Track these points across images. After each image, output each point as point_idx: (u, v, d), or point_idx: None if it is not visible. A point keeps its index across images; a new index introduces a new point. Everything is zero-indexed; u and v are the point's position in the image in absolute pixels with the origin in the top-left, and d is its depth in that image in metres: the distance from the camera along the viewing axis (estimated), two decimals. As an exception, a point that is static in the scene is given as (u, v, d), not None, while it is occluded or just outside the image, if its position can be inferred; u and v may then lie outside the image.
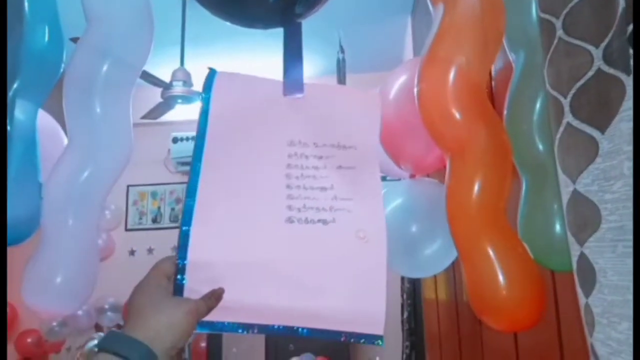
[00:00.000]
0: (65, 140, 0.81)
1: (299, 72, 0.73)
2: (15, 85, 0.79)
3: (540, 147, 0.70)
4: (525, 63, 0.74)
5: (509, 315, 0.69)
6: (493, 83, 1.15)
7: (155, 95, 3.23)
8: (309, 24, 0.83)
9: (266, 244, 0.66)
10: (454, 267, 1.36)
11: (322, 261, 0.67)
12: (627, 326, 0.46)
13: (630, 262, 0.47)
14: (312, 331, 0.65)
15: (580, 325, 0.56)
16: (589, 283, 0.53)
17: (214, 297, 0.61)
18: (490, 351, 1.24)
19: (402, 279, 3.41)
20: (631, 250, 0.47)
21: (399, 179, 1.41)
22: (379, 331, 0.65)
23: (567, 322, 0.83)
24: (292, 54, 0.73)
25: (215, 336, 3.64)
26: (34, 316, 4.04)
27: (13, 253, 0.76)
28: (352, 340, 0.66)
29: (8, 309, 4.03)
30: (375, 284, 0.66)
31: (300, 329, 0.65)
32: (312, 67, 4.02)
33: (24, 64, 0.80)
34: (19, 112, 0.80)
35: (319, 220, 0.67)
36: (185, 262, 0.62)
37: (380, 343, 0.64)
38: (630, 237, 0.47)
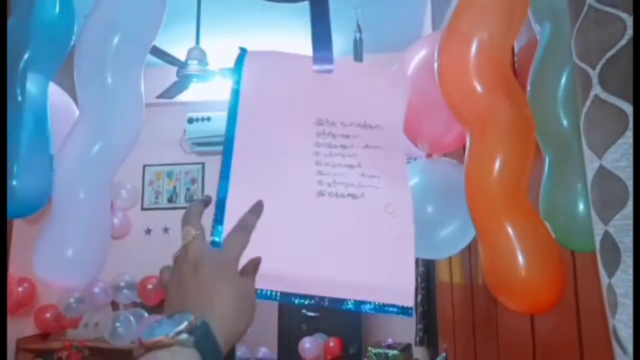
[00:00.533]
0: (77, 113, 0.80)
1: (328, 45, 0.74)
2: (25, 57, 0.78)
3: (565, 122, 0.67)
4: (551, 35, 0.70)
5: (527, 296, 0.67)
6: (516, 59, 1.11)
7: (170, 74, 3.22)
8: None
9: (299, 216, 0.67)
10: (469, 250, 1.34)
11: (353, 232, 0.67)
12: (654, 308, 0.44)
13: (659, 241, 0.44)
14: (354, 304, 0.65)
15: (601, 308, 0.54)
16: (613, 263, 0.50)
17: (254, 266, 0.60)
18: (505, 336, 1.22)
19: (417, 262, 3.40)
20: (661, 228, 0.44)
21: (415, 159, 1.38)
22: (409, 302, 0.65)
23: (586, 305, 0.80)
24: (321, 28, 0.73)
25: (229, 315, 3.68)
26: (52, 292, 4.12)
27: (29, 228, 0.76)
28: (383, 312, 0.66)
29: (27, 285, 4.11)
30: (405, 256, 0.67)
31: (340, 302, 0.65)
32: (329, 47, 3.97)
33: (34, 35, 0.79)
34: (30, 84, 0.79)
35: (348, 195, 0.68)
36: (221, 235, 0.62)
37: (412, 314, 0.65)
38: (660, 215, 0.45)
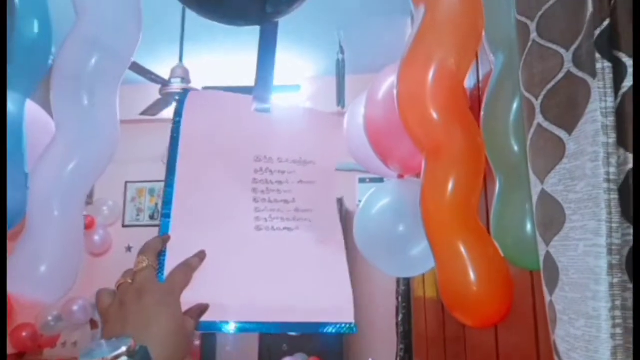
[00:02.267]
0: (53, 131, 0.82)
1: (269, 82, 0.81)
2: (4, 76, 0.81)
3: (515, 147, 0.71)
4: (504, 65, 0.75)
5: (478, 312, 0.70)
6: (480, 85, 1.16)
7: (154, 92, 3.25)
8: (310, 24, 0.88)
9: (238, 249, 0.72)
10: (440, 268, 1.37)
11: (290, 261, 0.74)
12: (583, 323, 0.48)
13: (590, 260, 0.48)
14: (287, 325, 0.70)
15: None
16: (553, 281, 0.54)
17: (200, 311, 0.64)
18: (472, 350, 1.25)
19: (398, 281, 3.42)
20: (591, 249, 0.48)
21: (386, 179, 1.42)
22: (349, 319, 0.71)
23: (543, 320, 0.84)
24: (265, 58, 0.78)
25: (210, 335, 3.65)
26: (30, 310, 4.06)
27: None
28: (327, 330, 0.70)
29: (4, 302, 4.04)
30: (340, 278, 0.73)
31: (275, 325, 0.69)
32: (313, 67, 4.04)
33: (14, 55, 0.82)
34: (8, 102, 0.81)
35: (284, 228, 0.75)
36: (164, 270, 0.66)
37: (354, 330, 0.70)
38: (591, 236, 0.48)
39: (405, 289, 3.24)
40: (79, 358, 0.50)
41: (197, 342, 3.72)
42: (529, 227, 0.68)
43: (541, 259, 0.57)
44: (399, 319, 3.24)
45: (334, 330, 0.71)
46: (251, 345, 3.57)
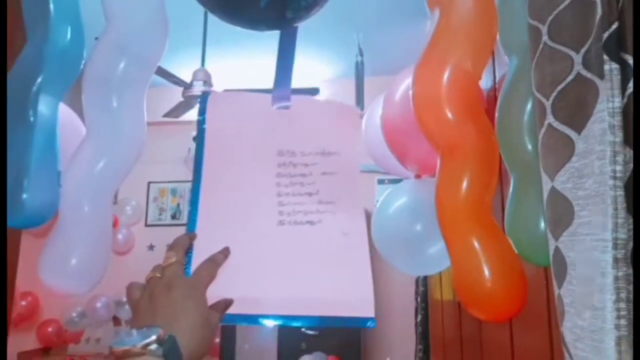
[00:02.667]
0: (84, 132, 0.86)
1: (287, 84, 0.82)
2: (39, 80, 0.85)
3: (529, 147, 0.72)
4: (518, 67, 0.76)
5: (492, 307, 0.72)
6: (497, 87, 1.17)
7: (177, 94, 3.31)
8: (329, 27, 0.90)
9: (261, 244, 0.75)
10: (457, 267, 1.39)
11: (312, 255, 0.75)
12: (589, 314, 0.50)
13: (596, 254, 0.50)
14: (307, 319, 0.72)
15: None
16: (561, 275, 0.56)
17: (225, 305, 0.67)
18: (488, 351, 1.26)
19: (417, 282, 3.43)
20: (598, 244, 0.50)
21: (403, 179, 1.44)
22: (370, 313, 0.72)
23: (557, 317, 0.85)
24: (284, 62, 0.80)
25: (229, 333, 3.70)
26: (55, 306, 4.17)
27: (35, 242, 0.83)
28: (347, 324, 0.72)
29: (31, 299, 4.16)
30: (361, 272, 0.74)
31: (297, 318, 0.71)
32: (331, 69, 4.07)
33: (47, 60, 0.86)
34: (41, 105, 0.85)
35: (307, 222, 0.76)
36: (191, 265, 0.69)
37: (373, 325, 0.71)
38: (598, 231, 0.50)
39: (424, 289, 3.24)
40: (111, 345, 0.53)
41: (217, 340, 3.78)
42: (542, 224, 0.69)
43: (551, 254, 0.59)
44: (418, 319, 3.24)
45: (354, 325, 0.72)
46: (270, 344, 3.61)
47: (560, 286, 0.56)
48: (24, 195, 0.79)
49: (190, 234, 0.72)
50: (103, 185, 0.84)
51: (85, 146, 0.84)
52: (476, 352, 1.35)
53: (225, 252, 0.70)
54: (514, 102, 0.74)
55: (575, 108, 0.56)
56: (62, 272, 0.80)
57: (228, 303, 0.67)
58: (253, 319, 0.71)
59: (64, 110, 0.90)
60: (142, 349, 0.52)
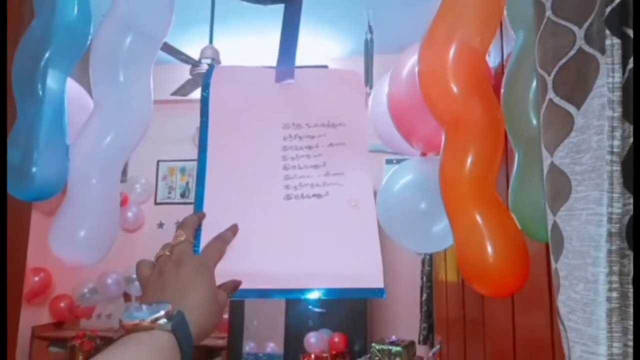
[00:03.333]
0: (92, 106, 0.88)
1: (291, 59, 0.80)
2: (47, 55, 0.86)
3: (534, 122, 0.72)
4: (524, 42, 0.76)
5: (495, 282, 0.73)
6: (504, 64, 1.16)
7: (185, 72, 3.31)
8: (337, 3, 0.88)
9: (268, 220, 0.75)
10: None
11: (319, 228, 0.74)
12: (582, 287, 0.50)
13: (591, 228, 0.51)
14: (317, 291, 0.72)
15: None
16: (558, 249, 0.57)
17: (234, 286, 0.68)
18: (490, 331, 1.28)
19: (423, 261, 3.45)
20: (593, 218, 0.51)
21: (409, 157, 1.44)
22: (379, 284, 0.71)
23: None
24: (288, 36, 0.79)
25: (237, 309, 3.76)
26: (67, 282, 4.25)
27: (46, 220, 0.85)
28: (356, 295, 0.71)
29: (43, 274, 4.24)
30: (370, 242, 0.74)
31: (303, 292, 0.72)
32: (340, 47, 4.04)
33: (55, 36, 0.87)
34: (49, 80, 0.87)
35: (313, 195, 0.75)
36: (200, 243, 0.69)
37: (382, 295, 0.70)
38: (593, 205, 0.51)
39: (429, 269, 3.27)
40: (121, 319, 0.54)
41: (225, 316, 3.84)
42: (544, 200, 0.70)
43: (549, 229, 0.60)
44: (423, 298, 3.28)
45: (363, 295, 0.72)
46: (277, 321, 3.66)
47: (557, 260, 0.57)
48: (34, 169, 0.81)
49: (199, 214, 0.72)
50: (111, 158, 0.86)
51: (93, 120, 0.86)
52: (478, 330, 1.37)
53: (233, 230, 0.70)
54: (520, 78, 0.74)
55: (576, 83, 0.56)
56: (71, 244, 0.82)
57: (237, 284, 0.68)
58: (262, 293, 0.71)
59: (72, 85, 0.91)
60: (151, 323, 0.53)
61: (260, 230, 0.73)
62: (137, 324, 0.53)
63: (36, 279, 4.16)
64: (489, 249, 0.73)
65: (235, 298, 0.69)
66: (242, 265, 0.69)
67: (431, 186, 1.34)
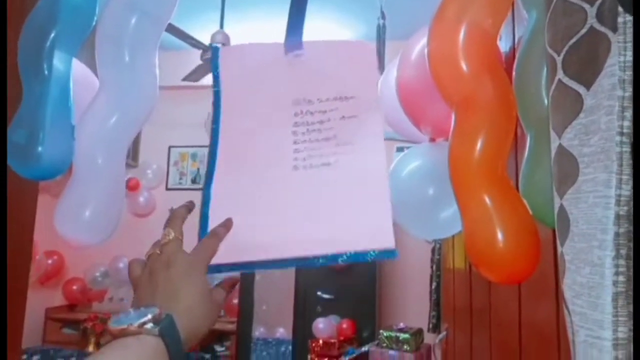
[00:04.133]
0: (97, 87, 0.87)
1: (299, 31, 0.79)
2: (52, 36, 0.86)
3: (546, 103, 0.71)
4: (536, 22, 0.74)
5: (503, 268, 0.72)
6: (516, 47, 1.14)
7: (196, 59, 3.31)
8: None
9: (278, 190, 0.74)
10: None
11: (329, 194, 0.73)
12: (588, 271, 0.49)
13: (599, 210, 0.49)
14: (328, 258, 0.69)
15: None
16: (564, 233, 0.55)
17: (232, 284, 0.67)
18: (496, 318, 1.27)
19: (433, 250, 3.44)
20: (600, 200, 0.49)
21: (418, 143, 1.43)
22: (390, 244, 0.68)
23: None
24: (296, 6, 0.77)
25: (247, 294, 3.79)
26: (80, 265, 4.31)
27: (55, 202, 0.85)
28: (368, 257, 0.68)
29: (56, 257, 4.30)
30: (380, 204, 0.71)
31: (316, 259, 0.70)
32: (352, 33, 4.00)
33: (61, 16, 0.87)
34: (55, 60, 0.87)
35: (322, 164, 0.74)
36: (208, 219, 0.70)
37: (394, 255, 0.68)
38: (601, 188, 0.50)
39: (439, 258, 3.26)
40: (109, 324, 0.54)
41: (235, 301, 3.87)
42: (556, 184, 0.68)
43: (555, 212, 0.59)
44: (433, 287, 3.27)
45: (376, 257, 0.68)
46: (286, 306, 3.69)
47: (562, 244, 0.56)
48: (39, 148, 0.81)
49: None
50: (116, 138, 0.86)
51: (99, 100, 0.86)
52: (484, 318, 1.36)
53: (227, 225, 0.69)
54: (532, 59, 0.72)
55: (586, 63, 0.55)
56: (76, 223, 0.82)
57: (235, 282, 0.67)
58: (275, 264, 0.69)
59: (77, 66, 0.91)
60: (138, 328, 0.52)
61: (271, 201, 0.73)
62: (124, 329, 0.52)
63: (49, 261, 4.22)
64: (499, 233, 0.71)
65: (245, 271, 0.69)
66: (253, 237, 0.69)
67: (440, 172, 1.33)
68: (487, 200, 0.73)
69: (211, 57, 0.81)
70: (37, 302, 4.24)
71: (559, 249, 0.57)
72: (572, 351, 0.54)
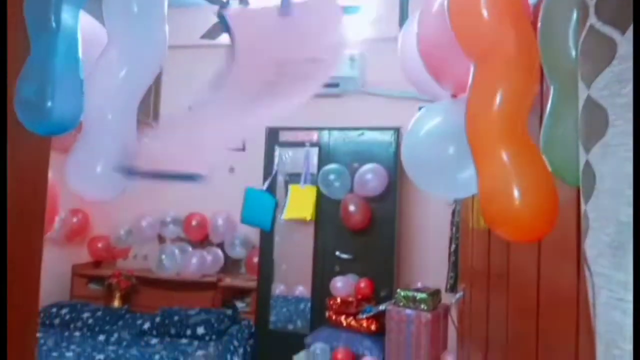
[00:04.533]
0: (105, 40, 0.85)
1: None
2: (59, -12, 0.83)
3: (572, 54, 0.66)
4: (565, -33, 0.69)
5: (519, 226, 0.69)
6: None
7: (213, 16, 3.25)
8: None
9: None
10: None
11: None
12: (614, 229, 0.46)
13: (627, 165, 0.46)
14: None
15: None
16: (589, 190, 0.52)
17: None
18: (515, 281, 1.25)
19: (453, 212, 3.41)
20: (630, 154, 0.46)
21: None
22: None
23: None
24: None
25: (266, 253, 3.84)
26: (104, 223, 4.40)
27: None
28: None
29: (81, 216, 4.40)
30: None
31: None
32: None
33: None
34: (63, 13, 0.84)
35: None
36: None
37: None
38: (630, 141, 0.46)
39: (459, 220, 3.23)
40: None
41: (256, 259, 3.93)
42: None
43: (580, 169, 0.55)
44: (452, 249, 3.26)
45: None
46: (305, 266, 3.72)
47: (586, 202, 0.53)
48: (49, 103, 0.80)
49: None
50: (126, 92, 0.84)
51: (108, 53, 0.83)
52: (503, 280, 1.34)
53: None
54: (559, 5, 0.67)
55: (622, 5, 0.50)
56: (88, 179, 0.82)
57: None
58: None
59: (85, 19, 0.89)
60: None
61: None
62: None
63: (74, 219, 4.31)
64: (515, 189, 0.68)
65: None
66: None
67: (461, 129, 1.29)
68: (504, 155, 0.69)
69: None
70: (64, 259, 4.37)
71: (582, 207, 0.54)
72: (592, 313, 0.52)
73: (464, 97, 1.31)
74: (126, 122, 0.84)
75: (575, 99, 0.68)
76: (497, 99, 0.69)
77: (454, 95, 1.32)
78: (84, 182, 0.82)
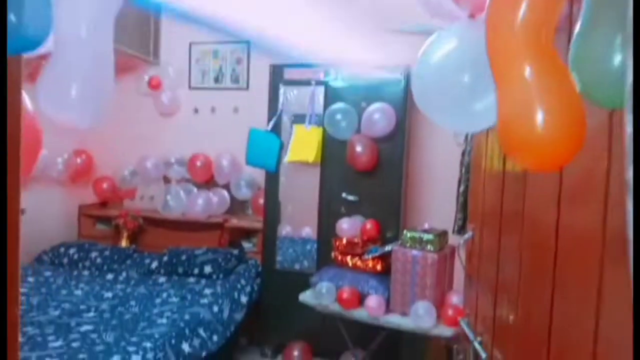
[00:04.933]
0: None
1: None
2: None
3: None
4: None
5: (540, 153, 0.61)
6: None
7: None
8: None
9: None
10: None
11: None
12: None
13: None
14: None
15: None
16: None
17: None
18: (529, 226, 1.17)
19: (463, 153, 3.31)
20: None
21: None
22: None
23: (617, 194, 0.72)
24: None
25: (272, 194, 3.80)
26: (108, 164, 4.36)
27: None
28: None
29: (85, 156, 4.35)
30: None
31: None
32: None
33: None
34: None
35: None
36: None
37: None
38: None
39: (469, 160, 3.14)
40: None
41: (261, 201, 3.90)
42: (617, 58, 0.55)
43: (627, 84, 0.46)
44: (460, 190, 3.19)
45: None
46: (311, 207, 3.69)
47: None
48: (12, 17, 0.70)
49: None
50: (100, 8, 0.74)
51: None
52: (517, 221, 1.27)
53: None
54: None
55: None
56: (62, 103, 0.73)
57: None
58: None
59: None
60: None
61: None
62: None
63: (78, 160, 4.28)
64: (538, 110, 0.59)
65: None
66: None
67: (477, 55, 1.17)
68: (526, 71, 0.60)
69: None
70: (71, 199, 4.37)
71: (627, 129, 0.46)
72: (629, 251, 0.45)
73: (482, 16, 1.19)
74: (101, 41, 0.75)
75: (611, 12, 0.58)
76: (522, 7, 0.59)
77: (471, 15, 1.20)
78: (58, 107, 0.74)
